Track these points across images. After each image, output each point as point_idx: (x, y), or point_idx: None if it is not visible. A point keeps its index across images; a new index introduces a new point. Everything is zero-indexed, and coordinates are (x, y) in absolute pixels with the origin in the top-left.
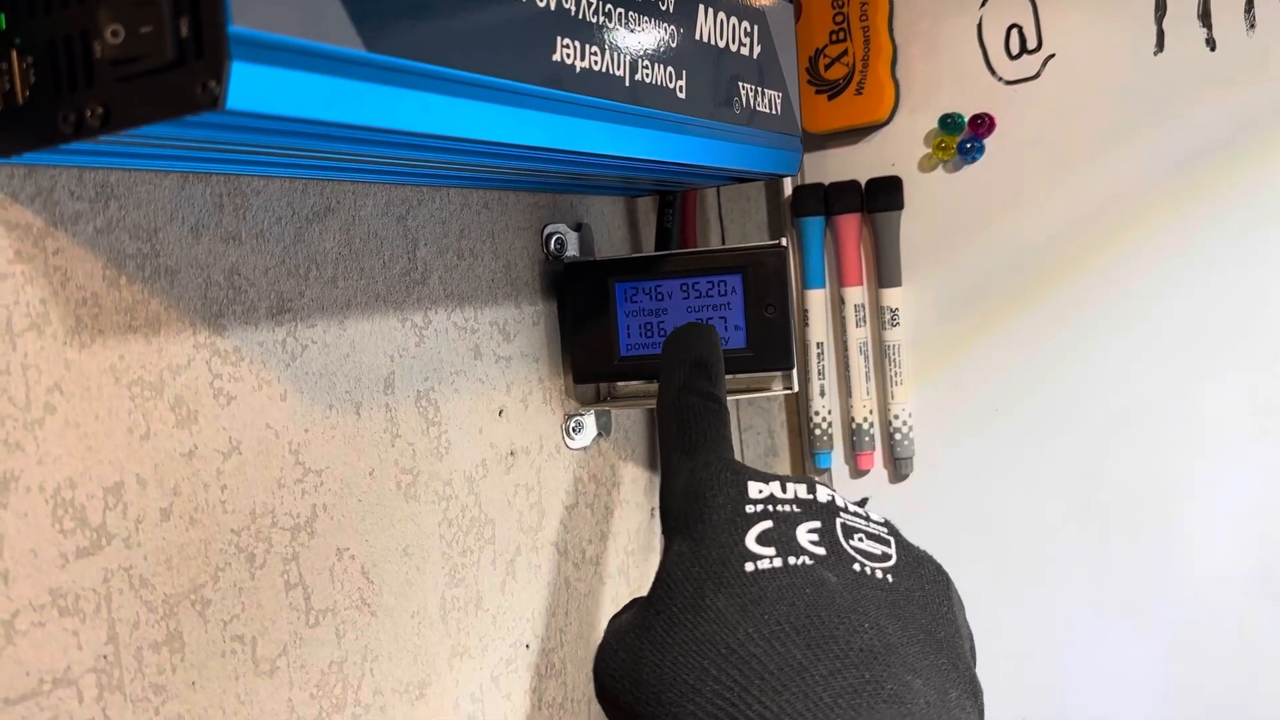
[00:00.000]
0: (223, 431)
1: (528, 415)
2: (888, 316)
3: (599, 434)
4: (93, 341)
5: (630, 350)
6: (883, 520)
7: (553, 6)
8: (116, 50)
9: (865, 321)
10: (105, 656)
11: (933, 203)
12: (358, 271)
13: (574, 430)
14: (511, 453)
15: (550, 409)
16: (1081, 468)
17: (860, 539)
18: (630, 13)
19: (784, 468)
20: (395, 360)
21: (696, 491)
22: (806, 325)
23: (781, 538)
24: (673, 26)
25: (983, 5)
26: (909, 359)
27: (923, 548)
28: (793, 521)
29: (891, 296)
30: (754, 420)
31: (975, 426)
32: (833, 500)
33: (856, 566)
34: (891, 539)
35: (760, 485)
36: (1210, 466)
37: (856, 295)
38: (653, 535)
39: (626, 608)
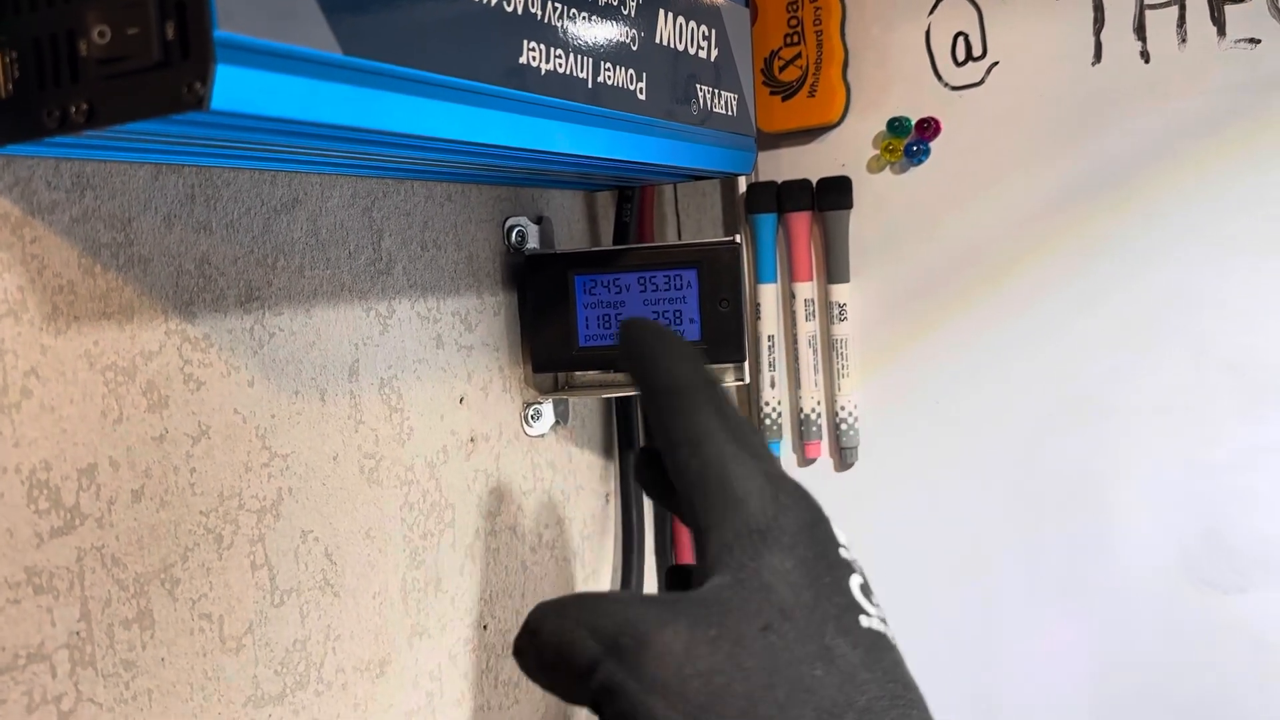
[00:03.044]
0: (192, 416)
1: (488, 403)
2: (836, 311)
3: (557, 422)
4: (68, 328)
5: (588, 341)
6: None
7: (520, 11)
8: (103, 50)
9: (815, 316)
10: (78, 633)
11: (880, 202)
12: (324, 261)
13: (532, 418)
14: (472, 439)
15: (510, 397)
16: (1017, 458)
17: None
18: (593, 16)
19: None
20: (360, 348)
21: (788, 501)
22: (758, 319)
23: (870, 599)
24: (634, 30)
25: (931, 13)
26: (856, 353)
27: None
28: (869, 588)
29: (840, 292)
30: None
31: (917, 418)
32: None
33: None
34: None
35: (836, 528)
36: (1139, 459)
37: (806, 290)
38: (607, 520)
39: (655, 600)
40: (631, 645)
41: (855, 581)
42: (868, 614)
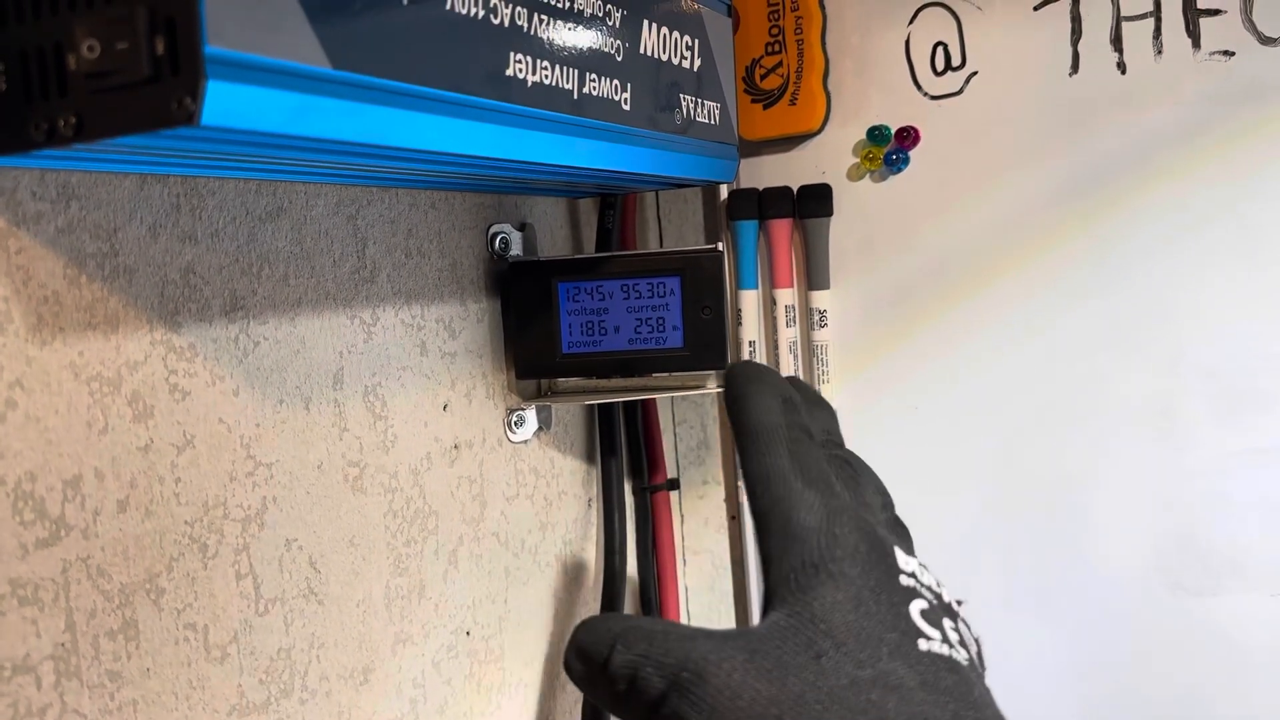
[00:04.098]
0: (177, 426)
1: (471, 410)
2: (816, 318)
3: (540, 428)
4: (53, 339)
5: (572, 348)
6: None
7: (506, 23)
8: (92, 64)
9: (795, 322)
10: (63, 644)
11: (860, 210)
12: (308, 270)
13: (516, 424)
14: (455, 446)
15: (493, 404)
16: (994, 463)
17: (976, 647)
18: (579, 28)
19: (716, 461)
20: (344, 356)
21: (843, 534)
22: (739, 324)
23: (938, 623)
24: (619, 41)
25: (911, 23)
26: (835, 358)
27: None
28: (939, 611)
29: (820, 299)
30: (688, 415)
31: (896, 423)
32: (953, 602)
33: (986, 679)
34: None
35: (904, 555)
36: (1114, 465)
37: (787, 297)
38: (590, 526)
39: (717, 636)
40: (691, 680)
41: (917, 607)
42: (928, 638)
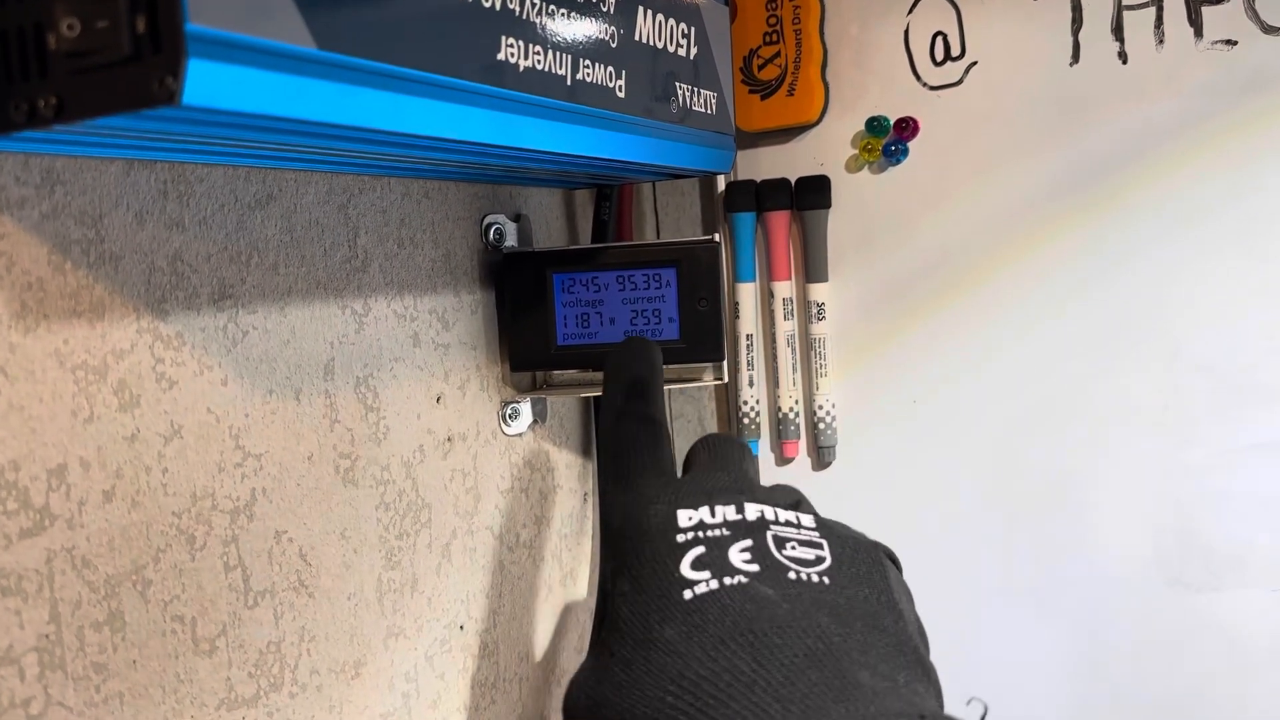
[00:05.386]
0: (164, 415)
1: (465, 402)
2: (814, 310)
3: (534, 421)
4: (37, 326)
5: (567, 340)
6: (814, 523)
7: (498, 6)
8: (72, 44)
9: (793, 315)
10: (47, 636)
11: (859, 202)
12: (299, 259)
13: (510, 417)
14: (449, 438)
15: (487, 396)
16: (993, 458)
17: (793, 547)
18: (572, 13)
19: None
20: (335, 347)
21: (630, 528)
22: (737, 317)
23: (714, 561)
24: (613, 27)
25: (910, 12)
26: (833, 352)
27: (864, 534)
28: (724, 544)
29: (818, 291)
30: (685, 409)
31: (895, 417)
32: (762, 516)
33: (791, 575)
34: (825, 541)
35: (689, 513)
36: (1113, 459)
37: (785, 289)
38: (585, 520)
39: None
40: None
41: (689, 558)
42: (693, 585)
